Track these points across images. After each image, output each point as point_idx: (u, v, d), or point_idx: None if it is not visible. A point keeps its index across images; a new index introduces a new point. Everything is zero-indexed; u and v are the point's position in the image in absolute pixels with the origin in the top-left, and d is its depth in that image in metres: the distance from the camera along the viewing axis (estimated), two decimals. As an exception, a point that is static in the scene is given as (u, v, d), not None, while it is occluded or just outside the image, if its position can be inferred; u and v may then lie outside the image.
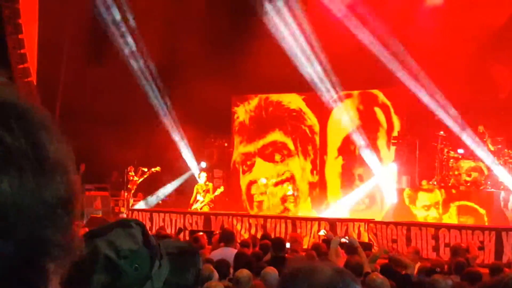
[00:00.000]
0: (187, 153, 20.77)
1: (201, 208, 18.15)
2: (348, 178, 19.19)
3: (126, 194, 19.84)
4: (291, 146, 20.61)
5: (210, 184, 18.74)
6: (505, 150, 16.26)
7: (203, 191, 18.44)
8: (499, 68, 16.32)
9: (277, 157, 20.79)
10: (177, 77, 20.13)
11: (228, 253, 8.85)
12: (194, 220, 17.10)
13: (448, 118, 16.67)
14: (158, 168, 19.70)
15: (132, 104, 20.46)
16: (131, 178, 19.71)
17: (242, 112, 21.51)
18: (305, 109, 20.36)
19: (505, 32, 16.02)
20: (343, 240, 8.34)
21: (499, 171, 16.03)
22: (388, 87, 18.52)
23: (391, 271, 7.44)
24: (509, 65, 16.02)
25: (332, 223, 15.14)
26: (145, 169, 19.70)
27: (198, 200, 18.32)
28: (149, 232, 1.71)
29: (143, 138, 20.10)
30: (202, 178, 18.80)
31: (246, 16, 18.99)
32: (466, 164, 16.70)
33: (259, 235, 14.27)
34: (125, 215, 18.88)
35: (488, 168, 16.30)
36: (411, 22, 17.26)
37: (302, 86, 18.95)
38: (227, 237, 9.87)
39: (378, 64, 16.90)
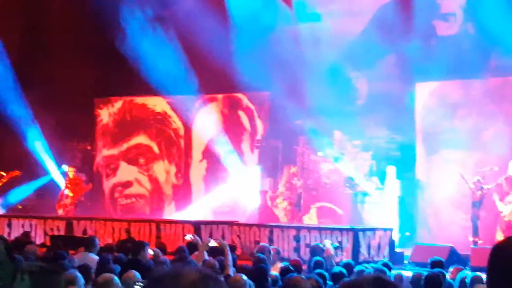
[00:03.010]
0: (48, 157, 20.17)
1: (70, 204, 17.80)
2: (213, 181, 19.33)
3: (-18, 199, 19.01)
4: (155, 149, 20.51)
5: (80, 179, 18.41)
6: (362, 153, 16.99)
7: (72, 185, 18.12)
8: (357, 75, 17.04)
9: (142, 160, 20.63)
10: (37, 78, 19.50)
11: (90, 258, 8.73)
12: (55, 225, 16.63)
13: (309, 122, 17.19)
14: (17, 172, 19.00)
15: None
16: (-12, 182, 18.89)
17: (106, 115, 21.16)
18: (170, 112, 20.33)
19: (363, 41, 16.70)
20: (213, 243, 8.38)
21: (357, 173, 16.72)
22: (252, 91, 18.83)
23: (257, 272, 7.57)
24: (366, 72, 16.75)
25: (197, 226, 15.20)
26: (3, 173, 18.94)
27: (68, 196, 18.00)
28: (8, 238, 1.71)
29: (1, 141, 19.33)
30: (70, 173, 18.42)
31: (108, 19, 18.65)
32: (325, 167, 17.30)
33: (122, 239, 14.10)
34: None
35: (347, 171, 16.96)
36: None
37: (167, 89, 18.88)
38: (89, 242, 9.72)
39: (241, 68, 17.11)
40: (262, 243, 11.22)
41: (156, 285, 1.83)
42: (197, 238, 9.68)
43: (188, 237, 9.82)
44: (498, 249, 2.59)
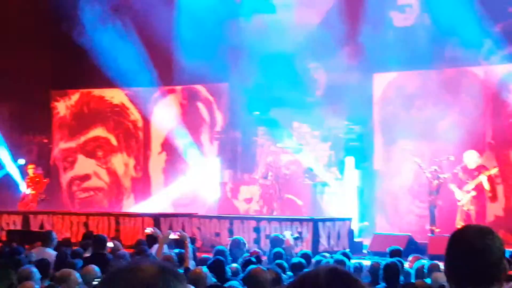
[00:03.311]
0: (3, 150, 19.85)
1: (32, 201, 17.71)
2: (172, 173, 19.24)
3: None
4: (114, 141, 20.32)
5: (39, 175, 18.31)
6: (321, 144, 17.08)
7: (33, 183, 18.00)
8: (316, 66, 17.10)
9: (100, 153, 20.43)
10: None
11: (47, 253, 8.66)
12: (12, 220, 16.40)
13: (269, 113, 17.24)
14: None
15: None
16: None
17: (63, 108, 20.90)
18: (128, 104, 20.16)
19: (320, 32, 16.76)
20: (174, 235, 8.34)
21: (316, 164, 16.81)
22: (211, 83, 18.78)
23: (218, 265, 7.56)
24: (324, 63, 16.82)
25: (156, 219, 15.12)
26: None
27: (29, 194, 17.92)
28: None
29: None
30: (30, 170, 18.29)
31: (66, 9, 18.40)
32: (285, 158, 17.34)
33: (81, 233, 14.04)
34: None
35: (306, 162, 17.03)
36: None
37: (124, 81, 18.71)
38: (46, 237, 9.63)
39: (200, 60, 17.04)
40: (236, 237, 11.24)
41: (113, 280, 1.80)
42: (157, 231, 9.65)
43: (148, 230, 9.78)
44: (456, 237, 2.63)
